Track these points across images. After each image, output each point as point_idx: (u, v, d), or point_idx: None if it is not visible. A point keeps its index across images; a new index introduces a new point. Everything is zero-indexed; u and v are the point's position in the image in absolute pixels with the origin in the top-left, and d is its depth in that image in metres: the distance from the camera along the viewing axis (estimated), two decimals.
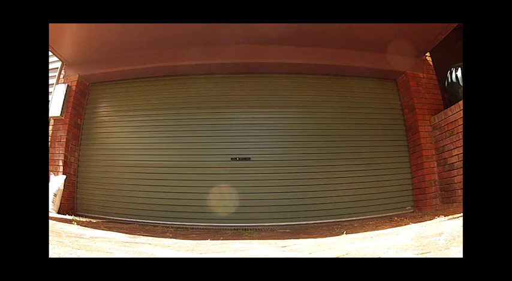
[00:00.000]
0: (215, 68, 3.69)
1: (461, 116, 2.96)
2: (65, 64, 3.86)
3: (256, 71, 3.76)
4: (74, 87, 3.75)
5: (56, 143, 3.56)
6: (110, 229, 2.51)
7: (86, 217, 3.36)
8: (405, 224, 2.36)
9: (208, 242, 2.01)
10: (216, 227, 3.15)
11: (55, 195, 3.25)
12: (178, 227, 3.07)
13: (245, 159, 3.47)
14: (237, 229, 3.03)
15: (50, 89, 3.68)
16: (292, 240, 2.05)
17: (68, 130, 3.60)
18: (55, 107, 3.61)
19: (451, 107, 3.18)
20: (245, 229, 3.00)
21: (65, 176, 3.42)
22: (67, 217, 3.08)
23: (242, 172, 3.43)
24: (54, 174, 3.42)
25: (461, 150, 2.95)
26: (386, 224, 2.60)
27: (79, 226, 2.39)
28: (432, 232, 1.70)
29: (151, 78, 3.86)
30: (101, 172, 3.64)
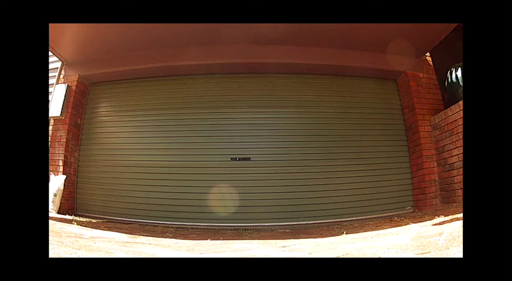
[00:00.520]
0: (215, 68, 3.69)
1: (461, 116, 2.96)
2: (65, 64, 3.86)
3: (256, 71, 3.76)
4: (74, 87, 3.75)
5: (56, 143, 3.57)
6: (110, 229, 2.51)
7: (86, 217, 3.36)
8: (405, 224, 2.36)
9: (208, 242, 2.01)
10: (216, 227, 3.15)
11: (55, 195, 3.25)
12: (178, 227, 3.07)
13: (245, 159, 3.47)
14: (237, 229, 3.03)
15: (50, 89, 3.68)
16: (292, 240, 2.05)
17: (68, 130, 3.60)
18: (55, 107, 3.61)
19: (451, 107, 3.18)
20: (245, 229, 3.00)
21: (65, 176, 3.42)
22: (67, 217, 3.08)
23: (242, 172, 3.43)
24: (54, 174, 3.42)
25: (461, 150, 2.95)
26: (386, 224, 2.60)
27: (79, 226, 2.39)
28: (432, 232, 1.70)
29: (151, 78, 3.86)
30: (101, 172, 3.64)
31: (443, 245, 1.24)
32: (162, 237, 2.21)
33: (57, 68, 3.86)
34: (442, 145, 3.28)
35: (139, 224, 3.10)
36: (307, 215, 3.30)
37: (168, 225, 3.14)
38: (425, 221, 2.33)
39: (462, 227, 0.65)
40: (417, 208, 3.41)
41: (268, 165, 3.45)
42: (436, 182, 3.32)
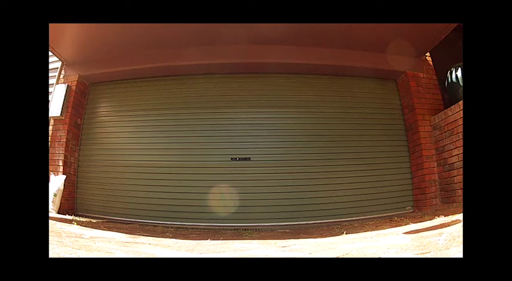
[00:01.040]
0: (215, 68, 3.69)
1: (461, 116, 2.96)
2: (65, 64, 3.86)
3: (256, 71, 3.76)
4: (74, 87, 3.75)
5: (56, 143, 3.57)
6: (110, 229, 2.51)
7: (86, 217, 3.36)
8: (405, 224, 2.36)
9: (208, 242, 2.01)
10: (216, 227, 3.15)
11: (55, 195, 3.25)
12: (178, 227, 3.07)
13: (245, 159, 3.47)
14: (237, 229, 3.03)
15: (50, 89, 3.68)
16: (292, 240, 2.05)
17: (68, 130, 3.60)
18: (55, 107, 3.61)
19: (451, 107, 3.18)
20: (245, 229, 3.00)
21: (65, 176, 3.42)
22: (67, 217, 3.08)
23: (242, 172, 3.43)
24: (54, 174, 3.42)
25: (461, 150, 2.95)
26: (386, 224, 2.60)
27: (79, 226, 2.39)
28: (432, 232, 1.70)
29: (151, 78, 3.86)
30: (101, 172, 3.64)
31: (443, 245, 1.24)
32: (162, 237, 2.21)
33: (57, 68, 3.86)
34: (442, 145, 3.28)
35: (139, 224, 3.10)
36: (307, 215, 3.30)
37: (168, 225, 3.14)
38: (425, 221, 2.33)
39: (462, 227, 0.65)
40: (417, 208, 3.41)
41: (268, 165, 3.45)
42: (436, 182, 3.32)
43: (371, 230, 2.29)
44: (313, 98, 3.72)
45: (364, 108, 3.71)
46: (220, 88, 3.74)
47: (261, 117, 3.61)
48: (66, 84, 3.74)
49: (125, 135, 3.73)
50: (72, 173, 3.61)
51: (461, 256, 0.62)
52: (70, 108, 3.67)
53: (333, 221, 3.22)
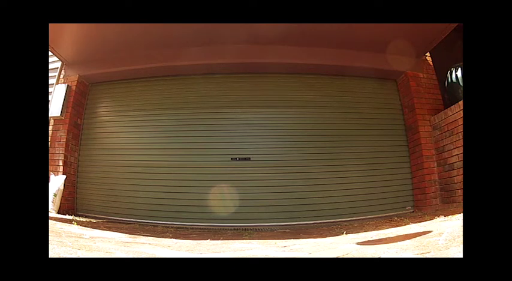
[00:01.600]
0: (215, 68, 3.69)
1: (461, 116, 2.96)
2: (65, 64, 3.86)
3: (256, 71, 3.76)
4: (74, 87, 3.75)
5: (56, 143, 3.56)
6: (109, 229, 2.51)
7: (86, 217, 3.36)
8: (405, 224, 2.36)
9: (208, 242, 2.01)
10: (216, 227, 3.15)
11: (55, 195, 3.25)
12: (178, 227, 3.07)
13: (245, 159, 3.47)
14: (237, 229, 3.03)
15: (50, 89, 3.68)
16: (292, 240, 2.05)
17: (68, 130, 3.60)
18: (55, 107, 3.61)
19: (451, 107, 3.18)
20: (245, 229, 3.00)
21: (65, 176, 3.42)
22: (67, 217, 3.08)
23: (242, 172, 3.43)
24: (54, 174, 3.42)
25: (461, 150, 2.95)
26: (386, 224, 2.60)
27: (79, 226, 2.39)
28: (432, 232, 1.70)
29: (151, 78, 3.86)
30: (101, 172, 3.64)
31: (443, 245, 1.24)
32: (162, 237, 2.21)
33: (57, 68, 3.86)
34: (442, 144, 3.28)
35: (139, 224, 3.10)
36: (307, 215, 3.30)
37: (168, 225, 3.14)
38: (425, 221, 2.33)
39: (462, 227, 0.65)
40: (417, 208, 3.41)
41: (268, 165, 3.45)
42: (436, 182, 3.32)
43: (371, 230, 2.29)
44: (313, 98, 3.72)
45: (364, 108, 3.71)
46: (220, 88, 3.74)
47: (261, 117, 3.61)
48: (66, 84, 3.74)
49: (125, 135, 3.72)
50: (72, 173, 3.61)
51: (461, 256, 0.62)
52: (70, 108, 3.67)
53: (333, 221, 3.22)
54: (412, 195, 3.50)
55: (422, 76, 3.74)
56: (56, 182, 3.31)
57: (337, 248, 1.56)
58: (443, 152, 3.26)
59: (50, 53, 3.48)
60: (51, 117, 3.57)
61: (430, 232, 1.73)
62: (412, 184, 3.54)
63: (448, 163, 3.18)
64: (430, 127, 3.49)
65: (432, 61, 3.86)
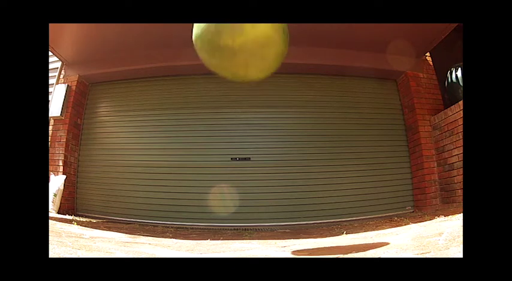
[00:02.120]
0: None
1: (461, 116, 2.96)
2: (65, 64, 3.86)
3: None
4: (74, 87, 3.75)
5: (56, 143, 3.57)
6: (109, 229, 2.51)
7: (86, 217, 3.36)
8: (405, 224, 2.36)
9: (208, 242, 2.01)
10: (216, 227, 3.15)
11: (55, 195, 3.25)
12: (178, 227, 3.07)
13: (245, 159, 3.47)
14: (237, 229, 3.03)
15: (50, 89, 3.68)
16: (292, 240, 2.05)
17: (68, 130, 3.60)
18: (55, 107, 3.61)
19: (451, 107, 3.18)
20: (245, 229, 3.00)
21: (65, 176, 3.42)
22: (67, 217, 3.08)
23: (242, 172, 3.43)
24: (54, 174, 3.42)
25: (461, 150, 2.95)
26: (386, 224, 2.60)
27: (79, 226, 2.39)
28: (432, 232, 1.70)
29: (151, 78, 3.86)
30: (101, 172, 3.64)
31: (443, 245, 1.24)
32: (162, 237, 2.21)
33: (57, 68, 3.86)
34: (442, 144, 3.28)
35: (139, 224, 3.10)
36: (307, 215, 3.30)
37: (168, 225, 3.14)
38: (425, 221, 2.33)
39: (462, 227, 0.65)
40: (417, 208, 3.41)
41: (268, 165, 3.45)
42: (436, 182, 3.32)
43: (371, 230, 2.29)
44: (313, 98, 3.72)
45: (364, 108, 3.71)
46: (220, 88, 3.74)
47: (261, 117, 3.61)
48: (66, 84, 3.74)
49: (125, 135, 3.72)
50: (72, 173, 3.61)
51: (461, 256, 0.62)
52: (70, 108, 3.67)
53: (333, 221, 3.22)
54: (412, 195, 3.50)
55: (422, 76, 3.74)
56: (56, 182, 3.31)
57: (337, 248, 1.56)
58: (443, 152, 3.26)
59: (50, 53, 3.48)
60: (51, 117, 3.57)
61: (430, 232, 1.73)
62: (412, 184, 3.54)
63: (448, 163, 3.18)
64: (430, 127, 3.49)
65: (432, 61, 3.86)
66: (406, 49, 3.48)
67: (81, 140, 3.80)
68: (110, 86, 3.96)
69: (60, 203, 3.30)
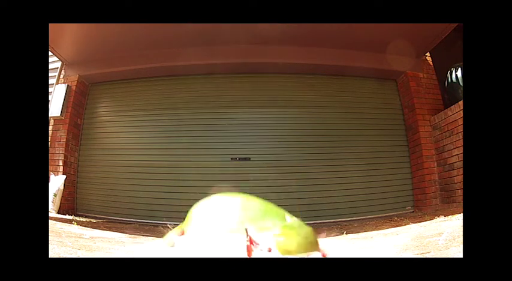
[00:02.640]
0: (215, 68, 3.69)
1: (461, 116, 2.96)
2: (65, 64, 3.85)
3: (256, 71, 3.76)
4: (74, 87, 3.75)
5: (56, 143, 3.56)
6: (109, 229, 2.51)
7: (86, 217, 3.36)
8: (405, 224, 2.36)
9: None
10: None
11: (55, 195, 3.25)
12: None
13: (245, 159, 3.46)
14: None
15: (50, 89, 3.68)
16: None
17: (68, 130, 3.60)
18: (55, 107, 3.61)
19: (451, 107, 3.18)
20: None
21: (65, 176, 3.42)
22: (67, 217, 3.08)
23: (242, 172, 3.43)
24: (54, 174, 3.42)
25: (461, 150, 2.95)
26: (386, 224, 2.60)
27: (79, 226, 2.39)
28: (432, 232, 1.70)
29: (151, 78, 3.86)
30: (101, 172, 3.64)
31: (443, 245, 1.24)
32: (162, 237, 2.20)
33: (57, 68, 3.86)
34: (442, 145, 3.28)
35: (139, 224, 3.10)
36: (307, 215, 3.30)
37: (168, 225, 3.13)
38: (425, 221, 2.33)
39: (462, 227, 0.65)
40: (417, 208, 3.40)
41: (268, 165, 3.45)
42: (436, 182, 3.32)
43: (371, 230, 2.29)
44: (313, 98, 3.72)
45: (364, 108, 3.71)
46: (220, 88, 3.74)
47: (261, 117, 3.61)
48: (66, 84, 3.74)
49: (125, 135, 3.72)
50: (72, 173, 3.61)
51: (461, 256, 0.62)
52: (70, 108, 3.67)
53: (333, 221, 3.22)
54: (412, 195, 3.50)
55: (422, 76, 3.74)
56: (56, 182, 3.31)
57: (336, 248, 1.56)
58: (443, 152, 3.26)
59: (50, 53, 3.48)
60: (51, 117, 3.56)
61: (430, 232, 1.73)
62: (412, 184, 3.54)
63: (448, 163, 3.18)
64: (430, 127, 3.49)
65: (432, 61, 3.86)
66: (406, 49, 3.48)
67: (81, 140, 3.80)
68: (110, 86, 3.96)
69: (60, 203, 3.30)
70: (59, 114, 3.58)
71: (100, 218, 3.33)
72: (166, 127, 3.65)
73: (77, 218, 3.03)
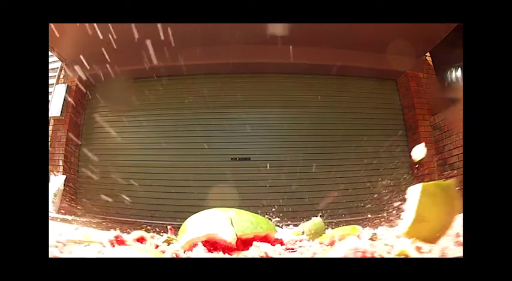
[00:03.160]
0: (215, 68, 3.69)
1: (461, 116, 2.96)
2: (65, 64, 3.85)
3: (256, 71, 3.76)
4: (74, 87, 3.75)
5: (56, 143, 3.57)
6: (109, 229, 2.51)
7: (86, 216, 3.36)
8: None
9: None
10: None
11: (55, 195, 3.25)
12: (178, 227, 3.06)
13: (245, 159, 3.47)
14: None
15: (50, 89, 3.68)
16: None
17: (68, 130, 3.60)
18: (55, 107, 3.61)
19: (451, 107, 3.18)
20: None
21: (65, 176, 3.42)
22: (67, 217, 3.08)
23: (242, 172, 3.43)
24: (54, 174, 3.42)
25: (461, 150, 2.95)
26: (386, 224, 2.59)
27: (79, 226, 2.39)
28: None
29: (151, 78, 3.86)
30: (101, 172, 3.64)
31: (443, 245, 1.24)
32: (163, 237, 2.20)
33: (57, 68, 3.86)
34: (442, 145, 3.28)
35: (139, 224, 3.10)
36: (307, 215, 3.29)
37: (168, 225, 3.13)
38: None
39: (462, 227, 0.65)
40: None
41: (268, 165, 3.45)
42: None
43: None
44: (313, 98, 3.72)
45: (364, 108, 3.71)
46: (221, 88, 3.74)
47: (261, 117, 3.61)
48: (66, 84, 3.75)
49: (125, 135, 3.73)
50: (72, 173, 3.61)
51: (461, 256, 0.62)
52: (70, 108, 3.67)
53: (333, 221, 3.22)
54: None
55: (422, 76, 3.74)
56: (56, 182, 3.31)
57: (337, 248, 1.56)
58: (443, 152, 3.26)
59: (50, 53, 3.48)
60: (51, 117, 3.57)
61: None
62: (412, 184, 3.53)
63: (448, 163, 3.18)
64: (430, 127, 3.49)
65: (432, 61, 3.86)
66: (406, 49, 3.48)
67: (81, 140, 3.80)
68: (110, 86, 3.96)
69: (60, 203, 3.30)
70: (59, 114, 3.58)
71: (100, 218, 3.33)
72: (166, 127, 3.65)
73: (77, 218, 3.03)
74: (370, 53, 3.59)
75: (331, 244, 0.86)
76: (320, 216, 1.20)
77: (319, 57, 3.62)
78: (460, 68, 3.31)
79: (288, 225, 1.40)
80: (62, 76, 3.88)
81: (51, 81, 3.76)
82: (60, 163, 3.50)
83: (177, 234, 0.97)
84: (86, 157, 3.75)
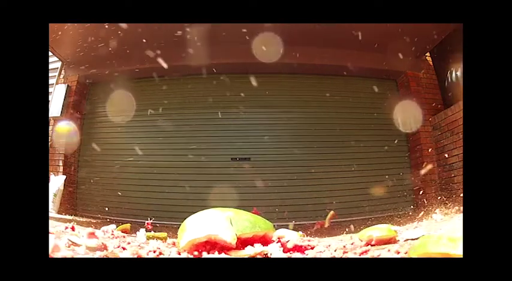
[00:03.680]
0: (215, 68, 3.69)
1: (461, 116, 2.96)
2: (65, 64, 3.85)
3: (257, 71, 3.76)
4: (74, 87, 3.75)
5: (56, 143, 3.57)
6: None
7: (86, 217, 3.36)
8: (405, 224, 2.36)
9: None
10: None
11: (55, 195, 3.25)
12: (178, 227, 3.06)
13: (245, 159, 3.47)
14: None
15: (50, 89, 3.68)
16: None
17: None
18: (55, 107, 3.61)
19: (451, 107, 3.18)
20: None
21: (65, 176, 3.42)
22: (67, 217, 3.08)
23: (242, 172, 3.43)
24: (54, 174, 3.42)
25: (461, 150, 2.95)
26: (386, 224, 2.59)
27: (79, 226, 2.39)
28: (432, 232, 1.70)
29: (151, 78, 3.86)
30: (101, 172, 3.64)
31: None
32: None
33: (57, 68, 3.86)
34: (442, 145, 3.28)
35: (139, 224, 3.10)
36: (307, 215, 3.30)
37: (167, 225, 3.13)
38: (425, 221, 2.33)
39: (462, 227, 0.65)
40: (417, 208, 3.41)
41: (268, 165, 3.45)
42: (436, 182, 3.32)
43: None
44: (313, 98, 3.72)
45: (364, 108, 3.71)
46: (221, 88, 3.74)
47: (261, 117, 3.61)
48: (66, 84, 3.74)
49: (125, 135, 3.73)
50: (72, 173, 3.61)
51: (461, 256, 0.62)
52: (70, 108, 3.67)
53: (333, 221, 3.22)
54: (412, 195, 3.50)
55: (422, 76, 3.74)
56: (56, 182, 3.31)
57: (337, 248, 1.56)
58: (443, 152, 3.26)
59: (50, 53, 3.48)
60: (51, 117, 3.56)
61: (429, 232, 1.73)
62: (412, 184, 3.54)
63: (448, 163, 3.18)
64: (430, 127, 3.49)
65: (432, 61, 3.86)
66: (406, 49, 3.48)
67: (81, 139, 3.80)
68: (110, 86, 3.96)
69: (60, 203, 3.30)
70: (59, 114, 3.58)
71: (100, 218, 3.33)
72: (166, 127, 3.65)
73: (77, 218, 3.03)
74: (370, 53, 3.59)
75: (368, 243, 0.84)
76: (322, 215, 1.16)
77: (319, 57, 3.62)
78: (460, 68, 3.31)
79: (288, 225, 1.40)
80: (62, 76, 3.87)
81: (51, 81, 3.76)
82: (60, 163, 3.50)
83: (154, 230, 0.98)
84: (85, 157, 3.75)
